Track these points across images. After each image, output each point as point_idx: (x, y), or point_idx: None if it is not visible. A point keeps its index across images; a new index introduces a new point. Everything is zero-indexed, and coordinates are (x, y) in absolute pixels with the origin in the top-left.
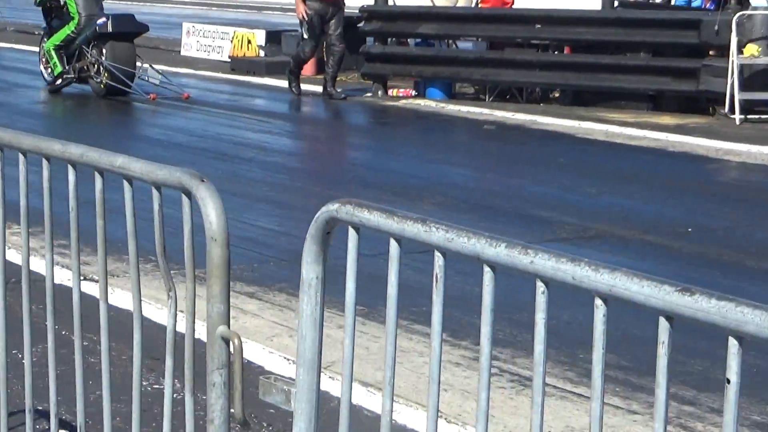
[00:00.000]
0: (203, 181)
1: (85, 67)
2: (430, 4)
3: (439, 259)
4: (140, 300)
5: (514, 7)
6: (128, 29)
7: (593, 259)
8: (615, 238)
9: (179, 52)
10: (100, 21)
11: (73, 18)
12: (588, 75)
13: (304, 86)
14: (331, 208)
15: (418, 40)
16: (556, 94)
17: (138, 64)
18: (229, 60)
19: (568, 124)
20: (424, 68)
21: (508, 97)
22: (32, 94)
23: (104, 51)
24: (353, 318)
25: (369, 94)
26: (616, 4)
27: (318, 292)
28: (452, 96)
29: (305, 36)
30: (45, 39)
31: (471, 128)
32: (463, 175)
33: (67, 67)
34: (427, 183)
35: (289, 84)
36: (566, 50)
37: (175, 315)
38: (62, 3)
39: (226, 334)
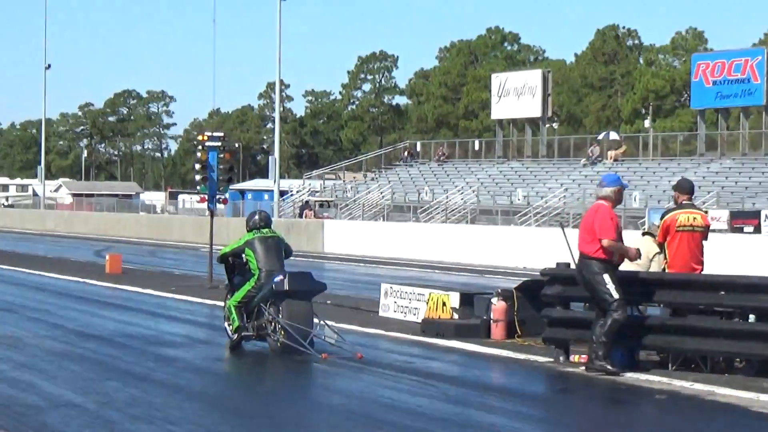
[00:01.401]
0: None
1: (263, 325)
2: None
3: None
4: None
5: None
6: (305, 287)
7: None
8: None
9: (378, 312)
10: (277, 279)
11: (253, 274)
12: None
13: (485, 349)
14: None
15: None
16: (742, 364)
17: (315, 320)
18: (420, 322)
19: (746, 397)
20: None
21: (693, 366)
22: (211, 350)
23: (281, 309)
24: None
25: (551, 359)
26: None
27: None
28: (635, 363)
29: (614, 295)
30: (228, 296)
31: (642, 398)
32: None
33: (246, 324)
34: None
35: (603, 360)
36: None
37: None
38: (245, 260)
39: None
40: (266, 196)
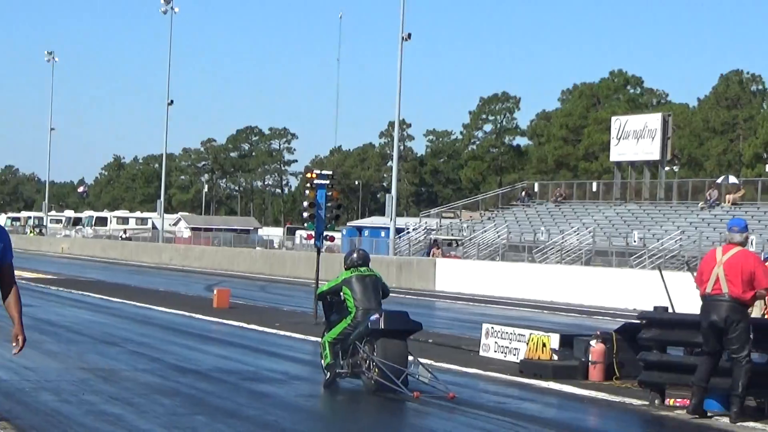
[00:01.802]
0: None
1: (358, 362)
2: None
3: None
4: None
5: None
6: (400, 327)
7: None
8: None
9: (478, 352)
10: (373, 317)
11: (350, 312)
12: None
13: (581, 391)
14: None
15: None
16: None
17: (410, 359)
18: (519, 362)
19: None
20: None
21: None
22: (306, 387)
23: (376, 347)
24: None
25: (646, 403)
26: None
27: None
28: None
29: (750, 345)
30: (325, 333)
31: None
32: None
33: (341, 362)
34: None
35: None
36: None
37: None
38: (342, 298)
39: None
40: (383, 233)
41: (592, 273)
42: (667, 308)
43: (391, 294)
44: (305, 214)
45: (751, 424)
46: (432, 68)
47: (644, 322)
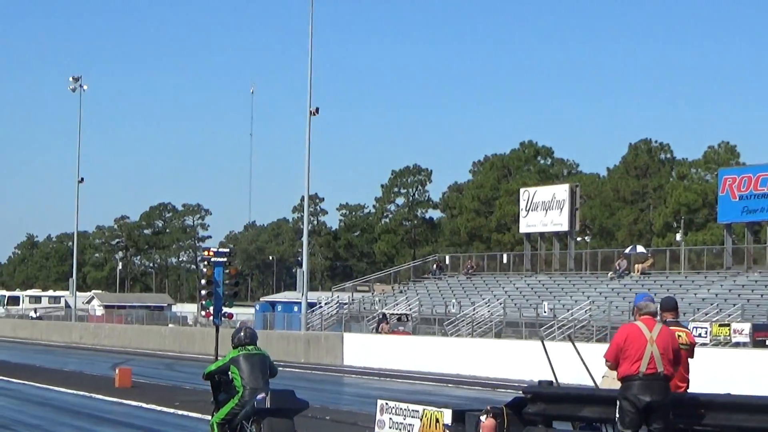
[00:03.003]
0: None
1: None
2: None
3: None
4: None
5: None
6: (286, 405)
7: None
8: None
9: (374, 429)
10: (259, 396)
11: (238, 391)
12: None
13: None
14: None
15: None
16: None
17: None
18: None
19: None
20: None
21: None
22: None
23: (262, 427)
24: None
25: None
26: None
27: None
28: None
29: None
30: (214, 413)
31: None
32: None
33: None
34: None
35: None
36: None
37: None
38: (230, 377)
39: None
40: (296, 308)
41: (502, 345)
42: (551, 382)
43: (297, 370)
44: (203, 292)
45: None
46: (344, 142)
47: (529, 396)
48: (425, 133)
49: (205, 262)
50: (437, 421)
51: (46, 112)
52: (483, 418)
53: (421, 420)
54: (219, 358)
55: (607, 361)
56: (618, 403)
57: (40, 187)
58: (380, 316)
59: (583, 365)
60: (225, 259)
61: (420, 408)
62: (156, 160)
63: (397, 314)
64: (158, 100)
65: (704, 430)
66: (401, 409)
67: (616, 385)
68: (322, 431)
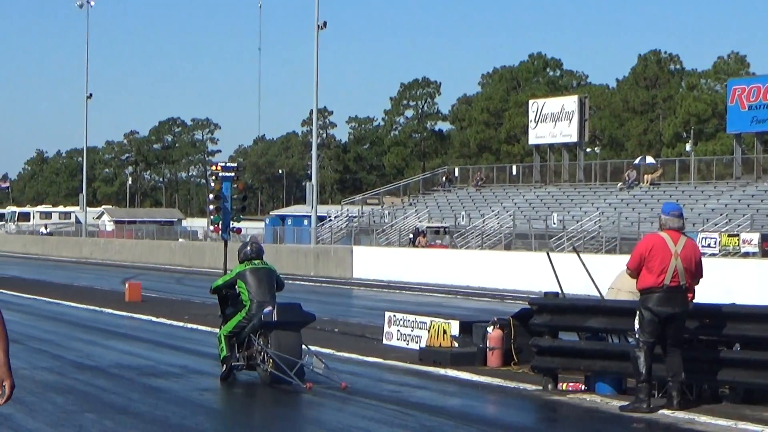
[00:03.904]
0: None
1: (253, 355)
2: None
3: None
4: None
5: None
6: (293, 319)
7: None
8: None
9: (381, 340)
10: (266, 310)
11: (245, 305)
12: (757, 372)
13: (477, 377)
14: None
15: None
16: (726, 392)
17: (304, 347)
18: (419, 350)
19: (722, 425)
20: (593, 362)
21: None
22: (202, 381)
23: (270, 339)
24: None
25: (540, 388)
26: None
27: None
28: (623, 391)
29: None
30: (221, 326)
31: (619, 426)
32: None
33: (237, 355)
34: None
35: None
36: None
37: None
38: (237, 291)
39: None
40: (306, 222)
41: (511, 257)
42: (557, 294)
43: (307, 283)
44: (210, 207)
45: (666, 412)
46: (353, 56)
47: (535, 307)
48: (434, 45)
49: (213, 177)
50: (445, 332)
51: (54, 28)
52: (490, 329)
53: (428, 331)
54: (227, 272)
55: (628, 269)
56: (638, 312)
57: (49, 103)
58: (416, 230)
59: (588, 276)
60: (233, 174)
61: (428, 320)
62: (165, 75)
63: (434, 227)
64: (166, 14)
65: (710, 339)
66: (409, 320)
67: (622, 296)
68: (330, 343)
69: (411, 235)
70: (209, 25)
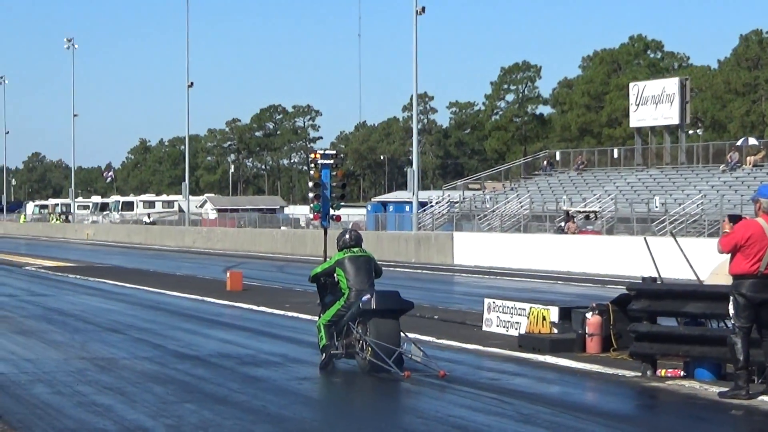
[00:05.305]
0: None
1: (352, 343)
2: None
3: None
4: None
5: None
6: (392, 306)
7: None
8: None
9: (481, 327)
10: (365, 298)
11: (343, 293)
12: None
13: (575, 364)
14: None
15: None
16: None
17: (403, 336)
18: (518, 336)
19: None
20: (692, 348)
21: None
22: (302, 369)
23: (368, 328)
24: None
25: (639, 374)
26: None
27: None
28: (722, 377)
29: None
30: (320, 315)
31: (718, 413)
32: None
33: (336, 343)
34: None
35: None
36: None
37: None
38: (336, 279)
39: None
40: (407, 208)
41: (613, 241)
42: (655, 279)
43: (408, 270)
44: (310, 195)
45: (766, 398)
46: (453, 40)
47: (633, 293)
48: (534, 28)
49: (313, 165)
50: (544, 318)
51: (154, 17)
52: (589, 315)
53: (528, 318)
54: (327, 260)
55: (721, 249)
56: (732, 297)
57: (151, 92)
58: (565, 215)
59: (686, 261)
60: (332, 161)
61: (527, 306)
62: (265, 63)
63: (584, 212)
64: (266, 1)
65: None
66: (508, 307)
67: (721, 280)
68: (429, 331)
69: (562, 223)
70: (309, 12)
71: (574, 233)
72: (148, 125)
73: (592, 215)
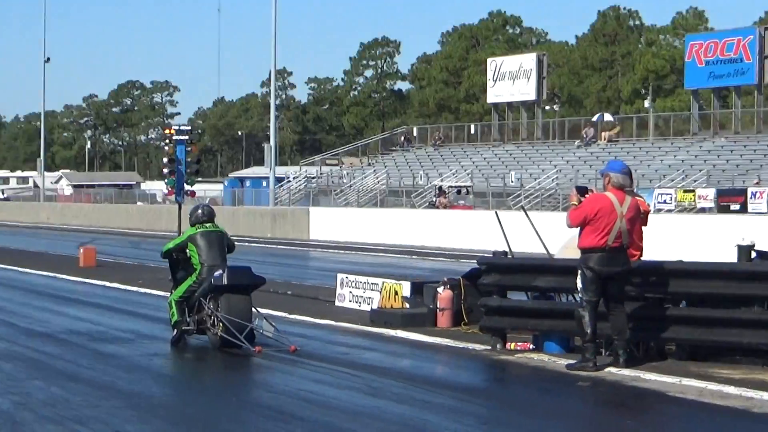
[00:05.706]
0: None
1: (203, 319)
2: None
3: None
4: None
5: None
6: (243, 282)
7: None
8: None
9: (334, 302)
10: (217, 273)
11: (195, 269)
12: (702, 329)
13: (427, 338)
14: None
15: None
16: (672, 349)
17: (254, 310)
18: (370, 311)
19: (667, 381)
20: (541, 321)
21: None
22: (153, 346)
23: (220, 303)
24: None
25: (489, 347)
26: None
27: None
28: (570, 350)
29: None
30: (172, 290)
31: (565, 385)
32: None
33: (188, 319)
34: None
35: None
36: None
37: None
38: (187, 254)
39: None
40: (264, 183)
41: (468, 215)
42: (506, 253)
43: (264, 245)
44: (165, 170)
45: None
46: (312, 16)
47: (484, 267)
48: (393, 3)
49: (168, 141)
50: (396, 293)
51: None
52: (440, 289)
53: (380, 293)
54: (180, 235)
55: (570, 222)
56: (580, 271)
57: (6, 67)
58: (437, 190)
59: (536, 235)
60: (187, 137)
61: (379, 281)
62: (123, 38)
63: (456, 186)
64: None
65: (655, 296)
66: (361, 282)
67: (571, 254)
68: (282, 306)
69: (433, 197)
70: None
71: (446, 208)
72: (3, 101)
73: (463, 190)
